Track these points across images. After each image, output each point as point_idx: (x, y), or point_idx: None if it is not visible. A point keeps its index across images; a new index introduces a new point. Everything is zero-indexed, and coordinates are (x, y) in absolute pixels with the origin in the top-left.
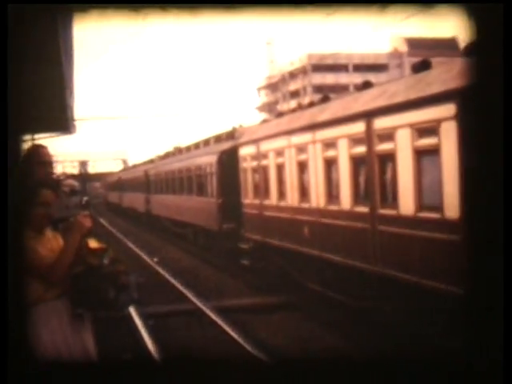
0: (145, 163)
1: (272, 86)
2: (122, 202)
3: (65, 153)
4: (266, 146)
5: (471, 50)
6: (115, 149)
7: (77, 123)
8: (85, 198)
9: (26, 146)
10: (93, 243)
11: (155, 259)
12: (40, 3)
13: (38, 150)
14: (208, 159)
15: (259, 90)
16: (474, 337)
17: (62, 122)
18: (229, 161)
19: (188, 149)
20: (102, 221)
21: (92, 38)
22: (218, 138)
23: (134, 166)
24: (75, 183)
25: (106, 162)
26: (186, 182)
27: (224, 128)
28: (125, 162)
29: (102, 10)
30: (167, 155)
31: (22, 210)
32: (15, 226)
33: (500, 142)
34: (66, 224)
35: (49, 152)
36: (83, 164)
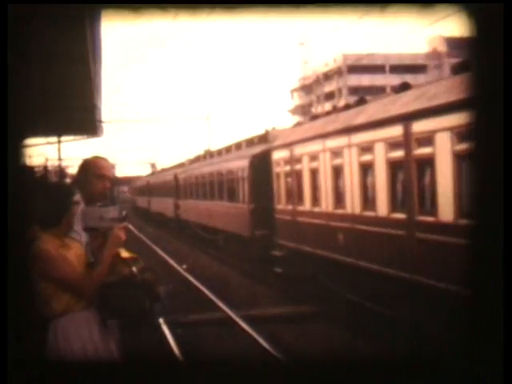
0: (174, 167)
1: (306, 88)
2: (151, 207)
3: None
4: (299, 149)
5: (471, 50)
6: (143, 152)
7: (104, 125)
8: (124, 212)
9: (49, 147)
10: (123, 252)
11: (184, 266)
12: (40, 3)
13: (97, 162)
14: (240, 163)
15: (292, 92)
16: (475, 338)
17: (88, 124)
18: (261, 165)
19: (219, 153)
20: (130, 226)
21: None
22: (250, 142)
23: (163, 170)
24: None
25: (133, 165)
26: (217, 186)
27: (256, 131)
28: (153, 165)
29: (104, 9)
30: (198, 159)
31: (52, 215)
32: (19, 226)
33: (500, 141)
34: (99, 234)
35: (109, 165)
36: (113, 168)
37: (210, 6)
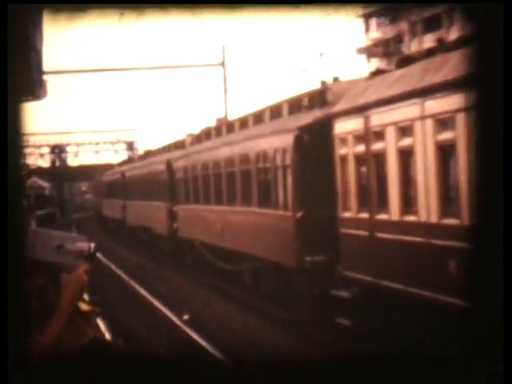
0: (167, 149)
1: (390, 11)
2: (127, 217)
3: (30, 132)
4: (381, 116)
5: (471, 50)
6: (114, 125)
7: (48, 80)
8: (92, 245)
9: None
10: (82, 303)
11: (185, 316)
12: (40, 3)
13: None
14: (278, 142)
15: (366, 18)
16: (475, 340)
17: (22, 79)
18: (315, 144)
19: (242, 123)
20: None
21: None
22: (296, 104)
23: (148, 155)
24: (44, 184)
25: (98, 147)
26: (241, 181)
27: (303, 86)
28: (131, 147)
29: (101, 9)
30: (206, 135)
31: None
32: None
33: (501, 139)
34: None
35: None
36: (58, 151)
37: (177, 7)
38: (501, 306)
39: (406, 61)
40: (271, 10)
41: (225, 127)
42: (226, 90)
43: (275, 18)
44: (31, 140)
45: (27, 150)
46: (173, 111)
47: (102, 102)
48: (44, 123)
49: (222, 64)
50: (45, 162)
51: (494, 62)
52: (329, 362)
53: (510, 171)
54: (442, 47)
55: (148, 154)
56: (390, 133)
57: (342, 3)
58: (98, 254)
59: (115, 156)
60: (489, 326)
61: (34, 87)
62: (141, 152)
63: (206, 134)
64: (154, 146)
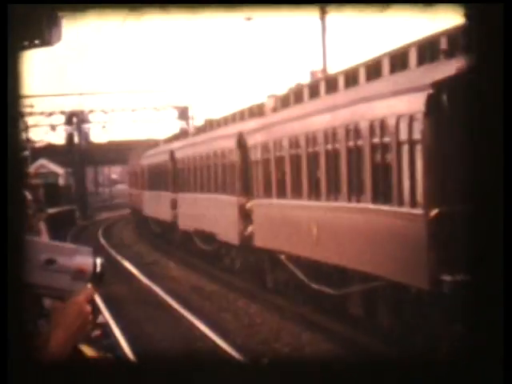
0: (240, 117)
1: None
2: (179, 218)
3: (35, 94)
4: None
5: (471, 50)
6: (158, 88)
7: (63, 27)
8: (99, 261)
9: None
10: (86, 348)
11: (264, 360)
12: (40, 3)
13: None
14: (402, 105)
15: None
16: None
17: (29, 19)
18: (459, 109)
19: (351, 78)
20: (133, 270)
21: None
22: (431, 49)
23: (210, 127)
24: (56, 170)
25: (135, 115)
26: (347, 164)
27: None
28: (184, 114)
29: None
30: (299, 95)
31: None
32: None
33: (500, 140)
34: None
35: None
36: (78, 121)
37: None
38: (501, 305)
39: None
40: (273, 9)
41: (323, 84)
42: (324, 28)
43: (275, 16)
44: (37, 105)
45: (31, 120)
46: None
47: (140, 53)
48: (57, 81)
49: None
50: (58, 138)
51: (494, 62)
52: None
53: (510, 171)
54: None
55: (209, 124)
56: None
57: (342, 3)
58: (136, 271)
59: (160, 128)
60: (488, 325)
61: (42, 28)
62: (198, 122)
63: (296, 95)
64: (218, 114)
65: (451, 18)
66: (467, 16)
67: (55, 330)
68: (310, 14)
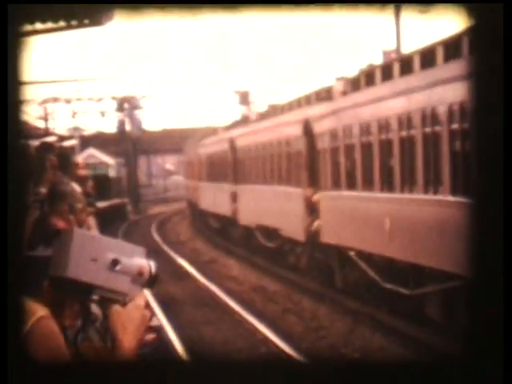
0: (306, 102)
1: None
2: (240, 212)
3: (81, 77)
4: None
5: (471, 50)
6: (216, 69)
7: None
8: (153, 264)
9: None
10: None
11: None
12: (40, 3)
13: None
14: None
15: None
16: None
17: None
18: None
19: (427, 57)
20: (190, 269)
21: None
22: None
23: (273, 112)
24: (107, 160)
25: (190, 100)
26: (423, 152)
27: None
28: (245, 99)
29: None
30: (370, 77)
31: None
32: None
33: (500, 140)
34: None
35: None
36: (130, 107)
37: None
38: (501, 305)
39: None
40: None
41: (397, 65)
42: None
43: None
44: (84, 89)
45: (79, 105)
46: (312, 47)
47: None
48: (107, 64)
49: None
50: (108, 125)
51: (493, 62)
52: None
53: (510, 171)
54: None
55: (273, 110)
56: None
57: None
58: (193, 270)
59: (219, 115)
60: (489, 325)
61: (92, 7)
62: (261, 108)
63: (368, 77)
64: (282, 98)
65: (451, 18)
66: (467, 16)
67: (125, 335)
68: (312, 13)
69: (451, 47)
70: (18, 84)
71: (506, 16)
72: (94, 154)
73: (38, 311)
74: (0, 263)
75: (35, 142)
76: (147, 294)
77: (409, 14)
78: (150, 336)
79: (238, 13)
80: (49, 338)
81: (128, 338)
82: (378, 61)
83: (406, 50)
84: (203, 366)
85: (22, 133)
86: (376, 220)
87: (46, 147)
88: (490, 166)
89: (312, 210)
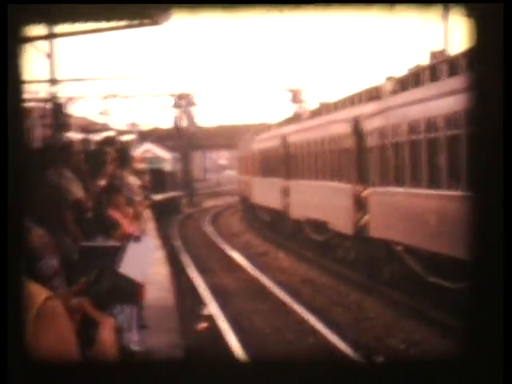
0: (356, 100)
1: None
2: (290, 206)
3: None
4: None
5: (471, 50)
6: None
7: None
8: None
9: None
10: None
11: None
12: (40, 3)
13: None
14: None
15: None
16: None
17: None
18: None
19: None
20: (242, 261)
21: None
22: None
23: (324, 110)
24: (163, 155)
25: (244, 98)
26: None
27: None
28: (296, 96)
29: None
30: (417, 77)
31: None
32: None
33: (500, 142)
34: None
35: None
36: (186, 103)
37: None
38: (501, 304)
39: None
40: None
41: (445, 66)
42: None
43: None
44: (142, 86)
45: (137, 102)
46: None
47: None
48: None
49: None
50: (164, 121)
51: (493, 62)
52: None
53: (510, 171)
54: None
55: (324, 108)
56: None
57: (343, 3)
58: (245, 262)
59: (272, 112)
60: (488, 325)
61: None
62: (312, 106)
63: (416, 77)
64: (333, 96)
65: (451, 18)
66: (467, 16)
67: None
68: (312, 14)
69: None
70: (18, 86)
71: (506, 16)
72: (151, 148)
73: (42, 293)
74: (0, 263)
75: (95, 137)
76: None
77: (407, 14)
78: (203, 325)
79: (237, 13)
80: (58, 320)
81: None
82: (426, 62)
83: (453, 51)
84: (206, 366)
85: (22, 134)
86: (423, 216)
87: (108, 141)
88: (489, 169)
89: (360, 205)
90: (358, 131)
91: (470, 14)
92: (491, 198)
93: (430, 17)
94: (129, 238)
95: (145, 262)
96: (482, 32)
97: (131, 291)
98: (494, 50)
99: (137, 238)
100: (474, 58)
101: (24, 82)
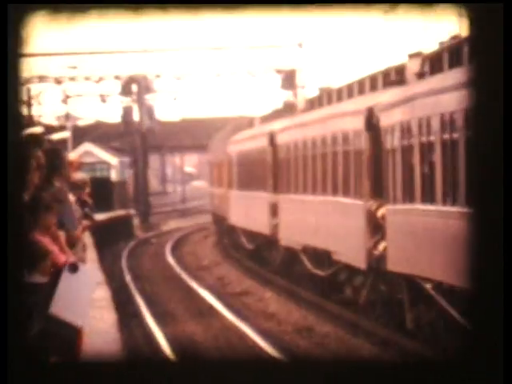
0: (369, 85)
1: None
2: (281, 230)
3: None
4: None
5: (471, 50)
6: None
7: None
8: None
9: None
10: None
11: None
12: (40, 3)
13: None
14: None
15: None
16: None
17: None
18: None
19: None
20: (215, 303)
21: None
22: None
23: (326, 100)
24: (108, 160)
25: (218, 79)
26: None
27: None
28: (289, 79)
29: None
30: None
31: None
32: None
33: (500, 139)
34: None
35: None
36: (139, 89)
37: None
38: (501, 304)
39: None
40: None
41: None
42: None
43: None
44: (80, 65)
45: (73, 87)
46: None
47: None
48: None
49: None
50: (110, 114)
51: (493, 61)
52: None
53: (510, 171)
54: None
55: (326, 96)
56: None
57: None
58: (218, 304)
59: (256, 102)
60: (488, 326)
61: None
62: (310, 93)
63: (452, 55)
64: (339, 80)
65: (451, 18)
66: (467, 16)
67: None
68: (312, 14)
69: None
70: (18, 83)
71: (505, 16)
72: (92, 150)
73: None
74: (0, 266)
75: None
76: None
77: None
78: None
79: (237, 13)
80: None
81: None
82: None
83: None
84: (200, 366)
85: (21, 129)
86: (462, 242)
87: (31, 141)
88: (489, 163)
89: (376, 228)
90: (372, 127)
91: (470, 13)
92: None
93: (430, 17)
94: (61, 268)
95: (84, 298)
96: (482, 32)
97: (66, 339)
98: (493, 49)
99: (72, 267)
100: (474, 56)
101: (23, 81)
